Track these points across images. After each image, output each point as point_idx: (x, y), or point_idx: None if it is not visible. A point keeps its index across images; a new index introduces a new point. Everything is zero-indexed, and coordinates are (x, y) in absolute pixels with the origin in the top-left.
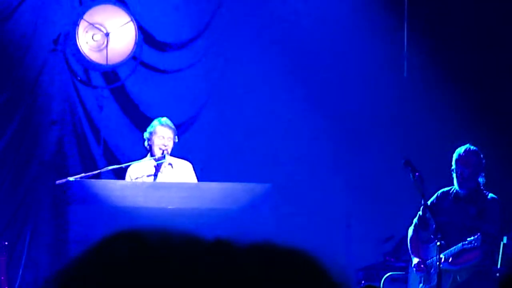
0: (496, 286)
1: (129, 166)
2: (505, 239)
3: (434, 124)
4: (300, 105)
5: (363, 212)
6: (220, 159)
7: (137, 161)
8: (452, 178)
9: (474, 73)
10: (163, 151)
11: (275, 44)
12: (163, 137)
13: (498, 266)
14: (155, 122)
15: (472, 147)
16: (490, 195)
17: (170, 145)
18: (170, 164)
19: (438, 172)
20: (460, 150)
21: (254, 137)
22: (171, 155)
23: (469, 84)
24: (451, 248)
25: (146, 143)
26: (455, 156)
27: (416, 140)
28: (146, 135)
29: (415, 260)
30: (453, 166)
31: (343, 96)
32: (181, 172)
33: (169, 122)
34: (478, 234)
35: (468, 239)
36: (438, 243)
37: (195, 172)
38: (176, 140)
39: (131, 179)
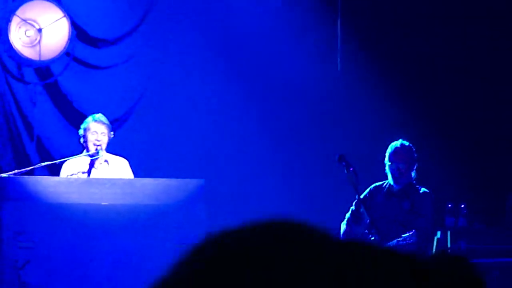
0: None
1: (63, 162)
2: (439, 234)
3: (368, 119)
4: (235, 101)
5: (297, 206)
6: (154, 154)
7: (71, 157)
8: (386, 173)
9: (408, 66)
10: (96, 147)
11: (209, 39)
12: (97, 133)
13: None
14: (89, 119)
15: (406, 142)
16: (423, 189)
17: (104, 141)
18: (106, 160)
19: (373, 167)
20: (396, 144)
21: (189, 133)
22: (107, 151)
23: (402, 77)
24: (386, 244)
25: (81, 140)
26: (389, 151)
27: (350, 134)
28: (80, 131)
29: None
30: (387, 162)
31: (277, 91)
32: (117, 169)
33: (102, 117)
34: (413, 230)
35: (403, 235)
36: (372, 238)
37: (132, 169)
38: (112, 136)
39: (66, 175)
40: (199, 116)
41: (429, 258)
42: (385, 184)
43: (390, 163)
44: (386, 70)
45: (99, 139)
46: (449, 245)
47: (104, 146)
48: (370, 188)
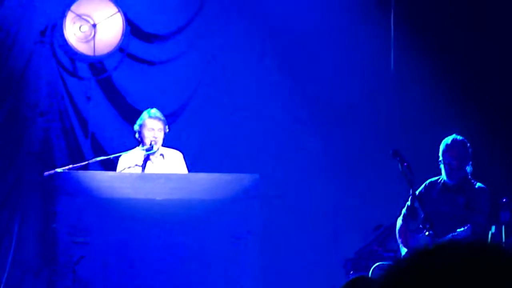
0: None
1: (117, 157)
2: (493, 228)
3: (422, 115)
4: (288, 96)
5: (351, 202)
6: (208, 149)
7: (127, 152)
8: (440, 169)
9: (461, 64)
10: (151, 142)
11: (263, 35)
12: (153, 129)
13: None
14: (144, 115)
15: (458, 137)
16: (478, 184)
17: (160, 137)
18: (161, 154)
19: (427, 163)
20: (447, 140)
21: (243, 127)
22: (162, 145)
23: (456, 74)
24: (441, 239)
25: (137, 135)
26: (442, 147)
27: (404, 131)
28: (136, 127)
29: (404, 251)
30: (440, 157)
31: (331, 88)
32: (172, 162)
33: (158, 113)
34: (469, 225)
35: (458, 230)
36: (427, 233)
37: (186, 163)
38: (167, 131)
39: (123, 168)
40: (253, 111)
41: None
42: (440, 179)
43: (442, 159)
44: (440, 68)
45: (156, 135)
46: (503, 240)
47: (160, 142)
48: (426, 184)
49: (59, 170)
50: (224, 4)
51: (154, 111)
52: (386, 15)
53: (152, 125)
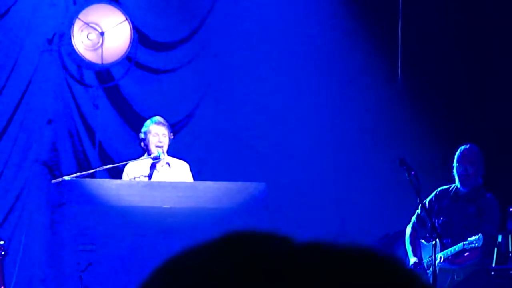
0: (492, 284)
1: (123, 165)
2: (500, 238)
3: (428, 125)
4: (294, 104)
5: (358, 210)
6: (214, 158)
7: (133, 160)
8: (453, 176)
9: (467, 75)
10: (158, 149)
11: (268, 43)
12: (158, 134)
13: (493, 265)
14: (148, 122)
15: (475, 146)
16: (489, 194)
17: (166, 142)
18: (167, 163)
19: (433, 172)
20: (464, 146)
21: (248, 136)
22: (168, 154)
23: (462, 85)
24: (451, 248)
25: (142, 144)
26: (458, 153)
27: (411, 140)
28: (141, 135)
29: (412, 260)
30: (455, 164)
31: (338, 95)
32: (178, 172)
33: (161, 119)
34: (480, 234)
35: (469, 239)
36: (434, 242)
37: (192, 172)
38: (172, 137)
39: (128, 178)
40: (258, 119)
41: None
42: (452, 187)
43: (457, 165)
44: (447, 76)
45: (161, 140)
46: (510, 249)
47: (165, 147)
48: (436, 192)
49: (66, 178)
50: (230, 12)
51: (157, 117)
52: (394, 23)
53: (156, 131)
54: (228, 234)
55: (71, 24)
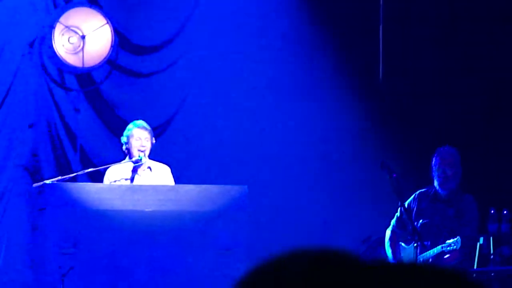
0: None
1: (105, 169)
2: (481, 240)
3: (409, 127)
4: (277, 108)
5: (340, 214)
6: (195, 161)
7: (114, 164)
8: (432, 178)
9: (450, 76)
10: (140, 153)
11: (249, 46)
12: (140, 139)
13: (475, 267)
14: (131, 126)
15: (452, 148)
16: (467, 195)
17: (148, 146)
18: (149, 167)
19: (415, 175)
20: (442, 149)
21: (230, 139)
22: (149, 158)
23: (444, 86)
24: (430, 250)
25: (124, 147)
26: (436, 155)
27: (393, 142)
28: (123, 139)
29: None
30: (434, 166)
31: (318, 98)
32: (159, 175)
33: (144, 123)
34: (458, 237)
35: (448, 241)
36: (415, 245)
37: (173, 176)
38: (154, 141)
39: (109, 182)
40: (240, 123)
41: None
42: (430, 189)
43: (436, 167)
44: (428, 78)
45: (143, 144)
46: (491, 251)
47: (147, 151)
48: (415, 195)
49: (47, 182)
50: (212, 16)
51: (140, 121)
52: (375, 25)
53: (139, 135)
54: (301, 251)
55: (52, 27)
